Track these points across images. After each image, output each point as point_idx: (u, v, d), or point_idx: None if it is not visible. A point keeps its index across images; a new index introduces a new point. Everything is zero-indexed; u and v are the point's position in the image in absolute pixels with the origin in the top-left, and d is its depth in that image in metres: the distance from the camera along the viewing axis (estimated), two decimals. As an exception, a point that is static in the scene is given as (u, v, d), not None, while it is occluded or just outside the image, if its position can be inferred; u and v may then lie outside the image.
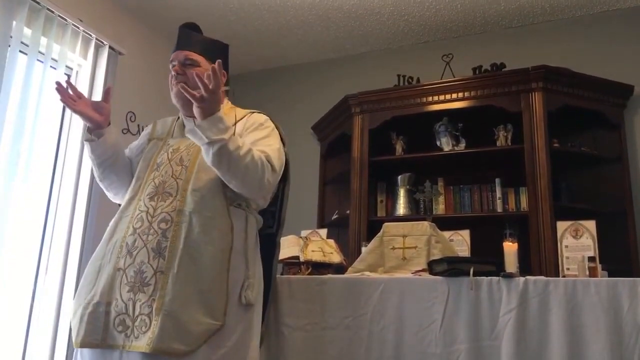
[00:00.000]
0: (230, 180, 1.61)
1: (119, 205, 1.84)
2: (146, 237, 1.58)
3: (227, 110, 1.84)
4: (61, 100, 1.74)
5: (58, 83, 1.74)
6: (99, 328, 1.52)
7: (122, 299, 1.53)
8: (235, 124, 1.77)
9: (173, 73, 1.77)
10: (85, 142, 1.79)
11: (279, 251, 2.02)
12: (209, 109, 1.53)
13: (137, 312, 1.51)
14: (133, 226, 1.61)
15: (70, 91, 1.75)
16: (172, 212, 1.60)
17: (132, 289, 1.53)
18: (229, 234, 1.62)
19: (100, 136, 1.77)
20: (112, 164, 1.81)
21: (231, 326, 1.56)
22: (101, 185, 1.89)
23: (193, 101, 1.51)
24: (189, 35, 1.84)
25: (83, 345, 1.53)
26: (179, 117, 1.88)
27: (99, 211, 3.19)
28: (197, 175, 1.65)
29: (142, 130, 1.97)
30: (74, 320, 1.58)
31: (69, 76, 3.34)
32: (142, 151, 1.83)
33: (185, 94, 1.51)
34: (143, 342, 1.46)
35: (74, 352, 1.63)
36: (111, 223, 1.69)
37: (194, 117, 1.77)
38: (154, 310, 1.49)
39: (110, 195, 1.91)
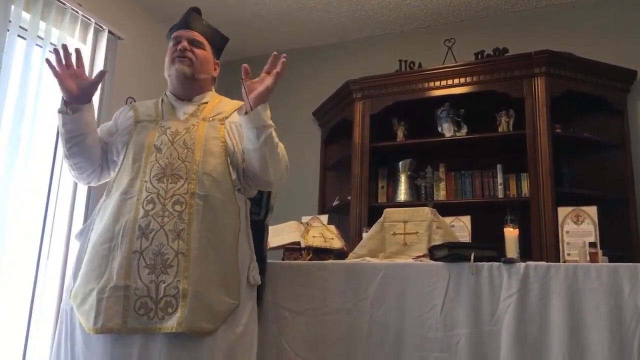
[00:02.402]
0: (267, 165, 1.66)
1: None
2: (161, 219, 1.57)
3: (215, 98, 1.87)
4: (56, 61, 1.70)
5: (56, 51, 1.71)
6: (119, 312, 1.49)
7: (142, 282, 1.51)
8: (233, 111, 1.79)
9: (180, 47, 1.79)
10: (57, 114, 1.73)
11: (267, 235, 2.08)
12: (268, 97, 1.61)
13: (161, 294, 1.50)
14: (144, 208, 1.58)
15: (64, 60, 1.70)
16: (185, 194, 1.60)
17: (152, 271, 1.52)
18: (237, 217, 1.67)
19: (75, 111, 1.72)
20: (81, 141, 1.74)
21: (243, 305, 1.61)
22: (66, 163, 1.84)
23: (266, 88, 1.58)
24: (198, 19, 1.88)
25: (103, 330, 1.48)
26: (162, 100, 1.86)
27: (100, 196, 3.18)
28: (205, 159, 1.66)
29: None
30: (83, 306, 1.53)
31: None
32: (128, 133, 1.77)
33: (245, 86, 1.60)
34: (172, 323, 1.47)
35: (67, 346, 1.56)
36: (112, 205, 1.64)
37: (186, 100, 1.82)
38: (180, 291, 1.50)
39: (74, 174, 1.86)
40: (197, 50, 1.81)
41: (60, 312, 1.65)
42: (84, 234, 1.70)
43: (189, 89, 1.82)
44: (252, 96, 1.59)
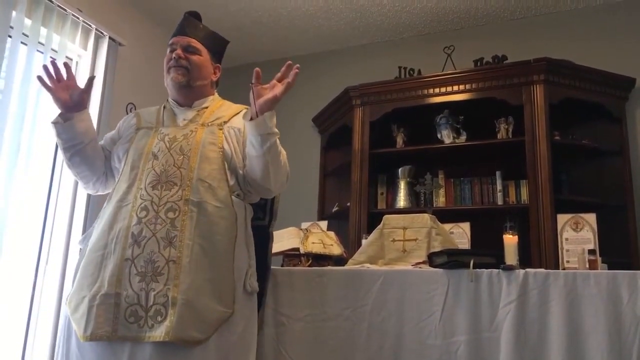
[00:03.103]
0: (269, 173, 1.65)
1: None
2: (154, 227, 1.56)
3: (216, 102, 1.86)
4: (46, 75, 1.71)
5: (45, 67, 1.72)
6: (110, 320, 1.49)
7: (132, 290, 1.51)
8: (233, 116, 1.79)
9: (174, 56, 1.78)
10: (51, 125, 1.76)
11: (272, 242, 2.04)
12: (276, 104, 1.58)
13: (150, 302, 1.49)
14: (137, 215, 1.58)
15: (54, 74, 1.72)
16: (179, 201, 1.59)
17: (143, 279, 1.51)
18: (234, 224, 1.65)
19: (67, 119, 1.73)
20: (80, 151, 1.77)
21: (239, 314, 1.59)
22: (71, 173, 1.86)
23: (274, 96, 1.56)
24: (194, 24, 1.86)
25: (92, 338, 1.48)
26: (164, 106, 1.87)
27: (100, 201, 3.18)
28: (201, 165, 1.65)
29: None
30: (76, 313, 1.53)
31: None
32: (129, 140, 1.78)
33: (254, 91, 1.57)
34: (160, 332, 1.46)
35: (63, 352, 1.56)
36: (108, 212, 1.65)
37: (186, 106, 1.82)
38: (170, 299, 1.49)
39: (81, 184, 1.90)
40: (192, 57, 1.80)
41: (62, 318, 1.64)
42: (85, 241, 1.70)
43: (187, 96, 1.82)
44: (260, 102, 1.57)
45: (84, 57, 3.41)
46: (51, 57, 3.05)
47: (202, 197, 1.61)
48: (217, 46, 1.91)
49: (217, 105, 1.84)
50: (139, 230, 1.56)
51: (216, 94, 1.92)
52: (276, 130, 1.61)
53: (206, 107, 1.82)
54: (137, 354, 1.47)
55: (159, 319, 1.48)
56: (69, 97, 1.72)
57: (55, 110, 1.77)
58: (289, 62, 1.59)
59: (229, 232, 1.63)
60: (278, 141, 1.64)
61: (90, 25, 3.32)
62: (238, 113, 1.80)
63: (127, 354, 1.47)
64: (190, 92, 1.81)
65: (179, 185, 1.61)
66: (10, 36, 2.83)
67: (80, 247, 1.72)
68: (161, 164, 1.65)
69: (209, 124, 1.75)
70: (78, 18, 3.23)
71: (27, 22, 2.95)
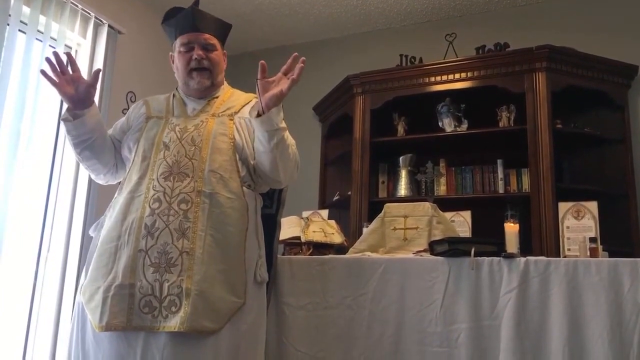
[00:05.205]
0: (278, 166, 1.65)
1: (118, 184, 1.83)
2: (167, 218, 1.57)
3: (226, 92, 1.85)
4: (51, 70, 1.65)
5: (48, 60, 1.65)
6: (124, 310, 1.50)
7: (146, 280, 1.52)
8: (244, 106, 1.78)
9: (195, 57, 1.75)
10: (61, 122, 1.73)
11: (280, 231, 2.03)
12: (282, 100, 1.57)
13: (164, 293, 1.51)
14: (150, 206, 1.59)
15: (58, 68, 1.66)
16: (191, 192, 1.60)
17: (157, 270, 1.53)
18: (245, 215, 1.66)
19: (77, 117, 1.70)
20: (90, 145, 1.75)
21: (250, 304, 1.61)
22: (82, 166, 1.87)
23: (280, 92, 1.53)
24: (203, 16, 1.82)
25: (108, 328, 1.49)
26: (174, 95, 1.86)
27: (100, 191, 3.19)
28: (212, 156, 1.66)
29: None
30: (91, 303, 1.54)
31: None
32: (139, 130, 1.77)
33: (260, 85, 1.56)
34: (174, 322, 1.47)
35: (78, 338, 1.58)
36: (120, 203, 1.65)
37: (203, 97, 1.80)
38: (184, 290, 1.50)
39: (92, 176, 1.91)
40: (211, 55, 1.78)
41: (75, 305, 1.65)
42: (97, 230, 1.71)
43: (206, 92, 1.81)
44: (266, 98, 1.56)
45: (83, 45, 3.39)
46: (50, 46, 3.05)
47: (214, 189, 1.62)
48: (225, 34, 1.90)
49: (227, 95, 1.83)
50: (152, 221, 1.57)
51: (225, 82, 1.90)
52: (283, 125, 1.61)
53: (217, 97, 1.82)
54: (151, 343, 1.49)
55: (173, 309, 1.49)
56: (75, 90, 1.67)
57: (54, 95, 1.74)
58: (295, 54, 1.55)
59: (241, 223, 1.64)
60: (286, 134, 1.63)
61: (89, 13, 3.30)
62: (248, 103, 1.78)
63: (141, 344, 1.49)
64: (210, 88, 1.81)
65: (191, 177, 1.62)
66: (8, 24, 2.80)
67: (92, 236, 1.73)
68: (173, 155, 1.66)
69: (220, 114, 1.75)
70: (77, 6, 3.20)
71: (26, 10, 2.92)
